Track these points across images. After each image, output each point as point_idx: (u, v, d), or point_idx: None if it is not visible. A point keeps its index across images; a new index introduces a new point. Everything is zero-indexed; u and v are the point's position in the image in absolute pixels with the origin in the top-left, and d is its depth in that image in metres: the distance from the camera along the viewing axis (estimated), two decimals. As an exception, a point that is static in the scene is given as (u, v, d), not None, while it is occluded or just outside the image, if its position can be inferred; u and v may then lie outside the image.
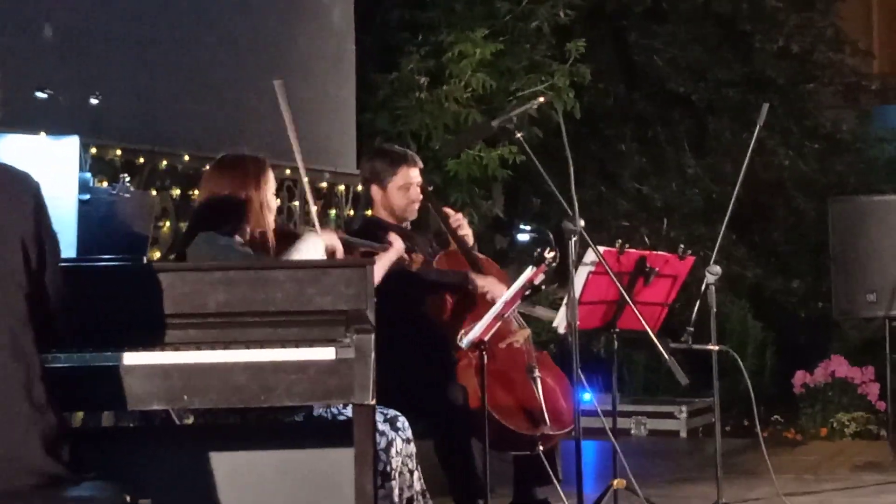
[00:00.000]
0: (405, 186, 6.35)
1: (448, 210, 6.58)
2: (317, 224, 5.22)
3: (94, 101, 6.28)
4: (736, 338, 11.06)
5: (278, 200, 5.35)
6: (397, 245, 5.79)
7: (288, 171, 8.09)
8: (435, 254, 6.41)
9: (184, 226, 7.10)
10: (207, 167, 5.39)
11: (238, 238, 5.11)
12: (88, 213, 5.27)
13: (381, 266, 5.53)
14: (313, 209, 5.37)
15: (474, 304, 6.16)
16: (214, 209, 5.12)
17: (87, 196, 5.37)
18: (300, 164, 5.25)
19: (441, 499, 5.89)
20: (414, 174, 6.38)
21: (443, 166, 10.18)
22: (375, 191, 6.40)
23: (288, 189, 8.15)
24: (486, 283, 6.20)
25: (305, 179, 5.43)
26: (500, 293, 5.99)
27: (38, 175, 3.64)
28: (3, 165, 3.61)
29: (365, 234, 6.25)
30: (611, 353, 6.64)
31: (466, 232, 6.51)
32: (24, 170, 3.63)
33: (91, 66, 6.89)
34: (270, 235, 5.18)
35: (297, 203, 8.25)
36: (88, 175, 5.68)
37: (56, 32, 6.75)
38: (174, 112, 7.41)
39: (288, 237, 5.36)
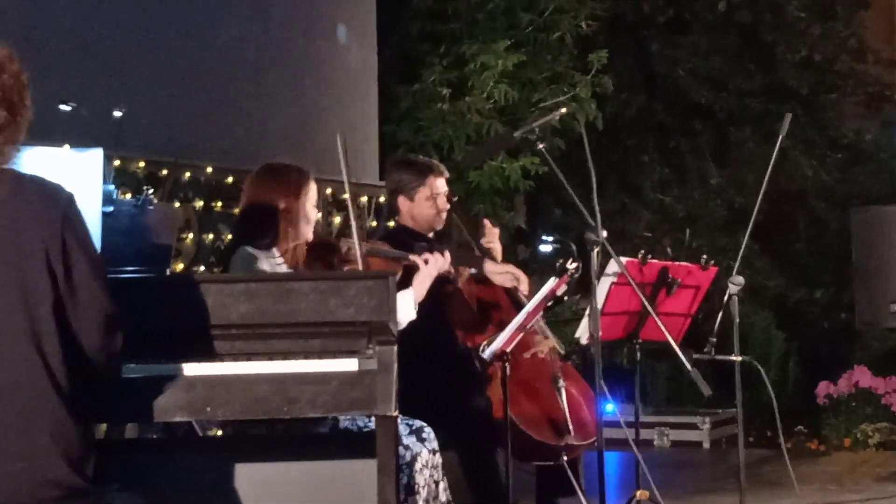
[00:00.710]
0: (433, 196, 6.36)
1: (487, 221, 6.59)
2: (356, 247, 5.19)
3: (117, 114, 6.30)
4: (759, 348, 11.04)
5: (319, 214, 5.34)
6: (438, 261, 5.63)
7: (313, 179, 8.10)
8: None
9: (207, 237, 7.13)
10: (237, 178, 5.39)
11: (276, 252, 5.12)
12: (112, 226, 5.29)
13: (422, 280, 5.47)
14: (356, 240, 5.29)
15: (497, 310, 6.16)
16: (253, 220, 5.15)
17: (111, 208, 5.38)
18: (351, 208, 5.22)
19: (467, 509, 5.90)
20: (441, 184, 6.38)
21: (465, 177, 10.18)
22: (402, 201, 6.40)
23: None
24: (508, 269, 6.19)
25: (362, 197, 5.43)
26: (523, 278, 6.03)
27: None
28: (34, 178, 3.60)
29: (393, 243, 6.25)
30: (633, 364, 6.63)
31: (495, 246, 6.50)
32: (55, 182, 3.62)
33: (114, 78, 6.91)
34: (302, 248, 5.19)
35: (319, 214, 8.25)
36: (112, 187, 5.70)
37: (79, 46, 6.77)
38: (197, 124, 7.44)
39: (326, 248, 5.36)
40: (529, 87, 10.68)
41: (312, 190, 5.24)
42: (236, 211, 7.28)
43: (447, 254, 5.63)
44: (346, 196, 5.15)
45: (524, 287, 6.19)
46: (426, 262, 5.50)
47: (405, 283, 5.36)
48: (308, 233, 5.21)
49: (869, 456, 9.69)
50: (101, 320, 3.60)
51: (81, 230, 3.61)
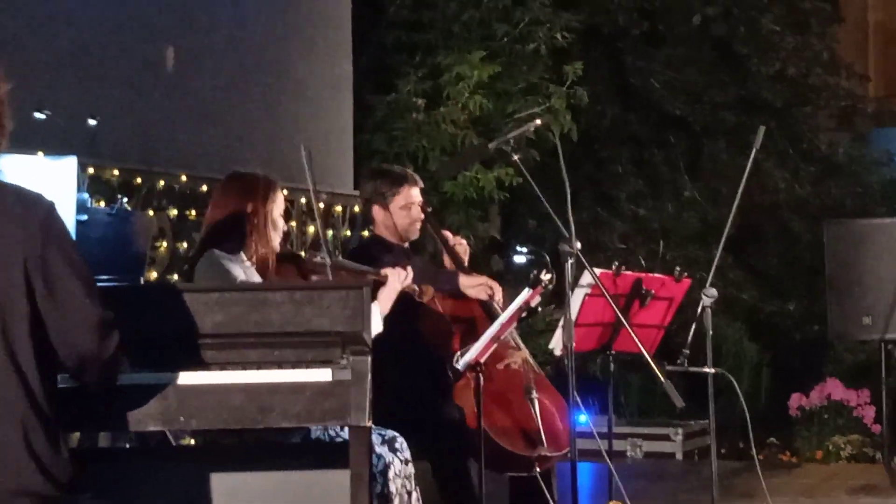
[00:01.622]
0: (407, 206, 6.36)
1: (447, 233, 6.59)
2: (327, 257, 5.20)
3: (91, 123, 6.29)
4: (732, 360, 11.08)
5: (291, 224, 5.35)
6: (399, 276, 5.62)
7: (285, 192, 8.09)
8: (433, 273, 6.41)
9: (181, 246, 7.12)
10: (211, 186, 5.40)
11: (244, 255, 5.13)
12: (85, 234, 5.28)
13: (387, 295, 5.48)
14: (325, 251, 5.29)
15: (469, 321, 6.16)
16: (220, 225, 5.17)
17: (85, 216, 5.38)
18: (318, 220, 5.23)
19: (440, 519, 5.89)
20: (416, 193, 6.39)
21: (440, 188, 10.19)
22: (377, 210, 6.40)
23: (285, 209, 8.15)
24: (482, 282, 6.19)
25: (336, 207, 5.44)
26: (497, 288, 6.04)
27: (36, 196, 3.63)
28: (14, 187, 3.59)
29: (366, 253, 6.25)
30: (607, 376, 6.64)
31: (464, 255, 6.51)
32: (36, 191, 3.61)
33: (89, 87, 6.90)
34: (272, 257, 5.20)
35: (294, 223, 8.25)
36: (86, 195, 5.69)
37: (54, 54, 6.76)
38: (171, 133, 7.43)
39: (291, 260, 5.37)
40: (504, 98, 10.70)
41: (279, 198, 5.27)
42: (207, 218, 7.28)
43: (410, 269, 5.63)
44: (315, 207, 5.16)
45: (498, 297, 6.20)
46: (387, 277, 5.52)
47: (371, 296, 5.37)
48: (276, 240, 5.22)
49: (841, 468, 9.72)
50: (93, 326, 3.59)
51: (64, 239, 3.60)
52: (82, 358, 3.60)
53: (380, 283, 5.50)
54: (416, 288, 5.72)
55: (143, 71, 7.36)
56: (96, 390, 3.76)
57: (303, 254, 5.72)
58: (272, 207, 5.21)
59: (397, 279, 5.50)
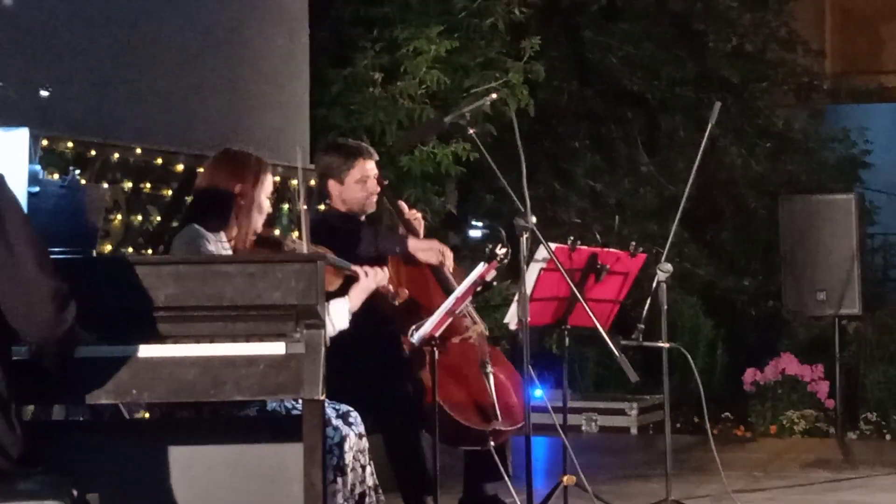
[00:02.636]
0: (362, 179, 6.35)
1: (403, 205, 6.58)
2: (305, 244, 5.18)
3: (44, 94, 6.23)
4: (687, 335, 11.12)
5: (269, 209, 5.33)
6: (377, 276, 5.55)
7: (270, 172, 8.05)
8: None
9: (135, 219, 7.08)
10: (166, 159, 5.37)
11: (224, 236, 5.12)
12: (38, 206, 5.24)
13: (359, 293, 5.45)
14: (305, 241, 5.25)
15: (426, 297, 6.16)
16: (206, 202, 5.17)
17: (37, 188, 5.33)
18: (303, 219, 5.19)
19: (394, 493, 5.89)
20: (370, 167, 6.37)
21: (396, 162, 10.16)
22: (333, 185, 6.39)
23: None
24: (432, 246, 6.18)
25: (292, 181, 5.42)
26: (448, 253, 6.04)
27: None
28: None
29: (326, 228, 6.23)
30: (562, 350, 6.66)
31: (420, 228, 6.51)
32: None
33: (41, 57, 6.84)
34: (251, 239, 5.19)
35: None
36: (38, 167, 5.64)
37: (5, 23, 6.69)
38: (126, 105, 7.37)
39: (272, 245, 5.35)
40: (462, 72, 10.67)
41: (269, 180, 5.26)
42: (166, 192, 7.24)
43: (387, 270, 5.62)
44: (302, 209, 5.16)
45: (449, 262, 6.19)
46: (366, 274, 5.49)
47: (343, 291, 5.37)
48: (259, 222, 5.22)
49: (794, 443, 9.79)
50: (48, 297, 3.57)
51: (14, 211, 3.58)
52: (40, 330, 3.59)
53: (353, 278, 5.48)
54: (392, 290, 5.71)
55: (97, 42, 7.30)
56: (55, 363, 3.74)
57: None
58: (260, 190, 5.20)
59: (374, 278, 5.48)
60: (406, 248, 6.15)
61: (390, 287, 5.69)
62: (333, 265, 5.42)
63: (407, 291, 5.86)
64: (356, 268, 5.46)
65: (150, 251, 6.94)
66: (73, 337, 3.74)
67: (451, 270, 6.17)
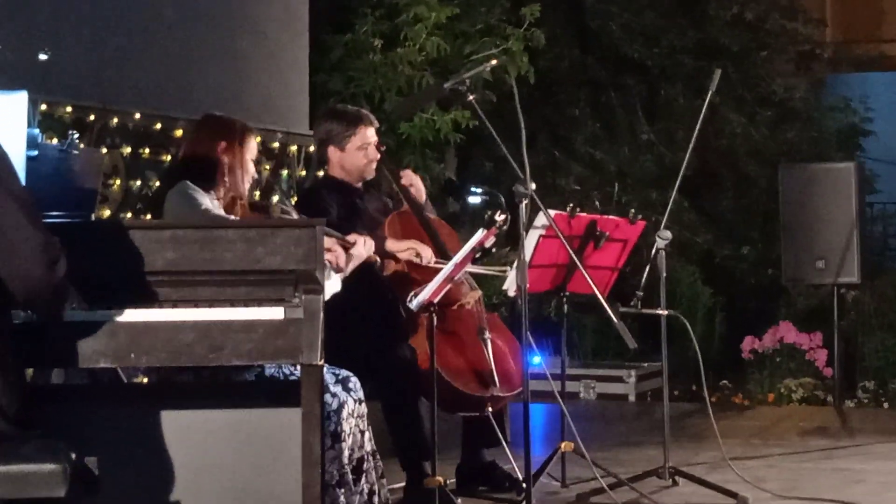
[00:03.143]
0: (363, 146, 6.34)
1: (405, 171, 6.58)
2: (293, 213, 5.19)
3: (43, 57, 6.22)
4: (685, 303, 11.13)
5: (256, 174, 5.33)
6: (370, 245, 5.47)
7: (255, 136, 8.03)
8: (387, 213, 6.40)
9: (134, 184, 7.07)
10: (165, 125, 5.36)
11: (213, 195, 5.13)
12: (36, 170, 5.22)
13: (352, 262, 5.44)
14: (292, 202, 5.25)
15: (426, 265, 6.16)
16: (193, 164, 5.17)
17: (35, 152, 5.32)
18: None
19: (392, 459, 5.91)
20: (371, 134, 6.37)
21: (396, 129, 10.15)
22: (332, 151, 6.38)
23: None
24: (411, 245, 6.15)
25: (291, 147, 5.41)
26: (426, 254, 6.02)
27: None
28: None
29: (318, 194, 6.23)
30: (560, 317, 6.66)
31: (419, 189, 6.49)
32: None
33: (41, 21, 6.82)
34: (243, 203, 5.21)
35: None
36: (37, 131, 5.63)
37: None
38: (125, 70, 7.35)
39: (260, 211, 5.36)
40: (462, 39, 10.65)
41: (253, 144, 5.28)
42: (165, 158, 7.24)
43: (370, 240, 5.58)
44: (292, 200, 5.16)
45: (426, 259, 6.12)
46: (354, 243, 5.49)
47: None
48: (245, 185, 5.23)
49: (792, 411, 9.80)
50: (39, 253, 3.57)
51: (5, 170, 3.58)
52: (31, 286, 3.58)
53: (345, 246, 5.48)
54: (378, 260, 5.71)
55: (95, 6, 7.28)
56: (46, 320, 3.74)
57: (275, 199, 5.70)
58: (245, 152, 5.21)
59: (363, 246, 5.47)
60: (382, 249, 6.07)
61: (377, 258, 5.69)
62: (326, 235, 5.42)
63: (393, 263, 5.86)
64: (348, 238, 5.47)
65: (149, 216, 6.94)
66: (64, 295, 3.74)
67: (430, 263, 6.11)
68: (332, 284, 5.07)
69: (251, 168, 5.26)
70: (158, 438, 4.49)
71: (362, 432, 5.09)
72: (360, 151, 6.34)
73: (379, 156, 6.38)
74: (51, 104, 6.62)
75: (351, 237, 5.40)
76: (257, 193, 7.76)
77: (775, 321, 10.65)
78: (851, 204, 10.07)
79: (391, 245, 6.11)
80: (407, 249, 6.11)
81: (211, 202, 5.10)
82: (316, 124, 6.64)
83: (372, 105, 9.93)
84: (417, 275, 6.05)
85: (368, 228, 5.96)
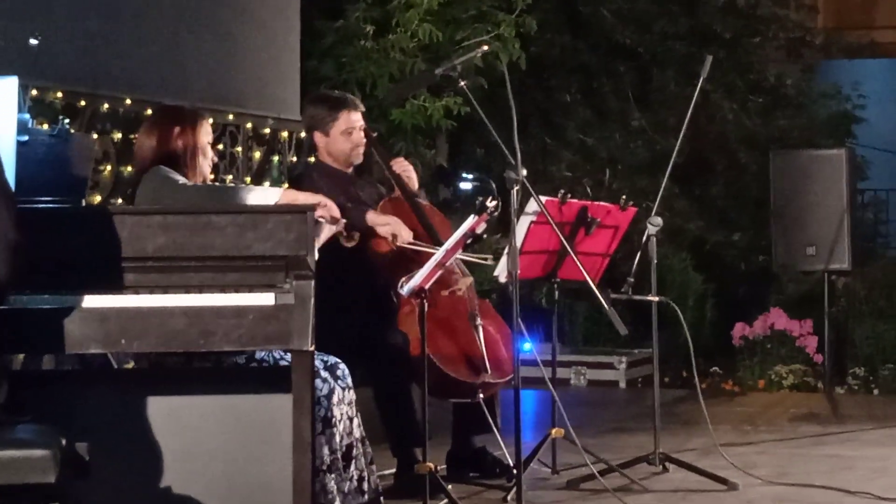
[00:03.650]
0: (348, 131, 6.33)
1: (397, 159, 6.56)
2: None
3: (33, 42, 6.20)
4: (676, 289, 11.12)
5: (214, 157, 5.30)
6: (332, 209, 5.51)
7: (231, 117, 8.04)
8: (380, 199, 6.39)
9: (125, 170, 7.07)
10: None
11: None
12: (27, 155, 5.22)
13: (327, 231, 5.45)
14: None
15: (416, 251, 6.15)
16: (151, 154, 5.12)
17: (26, 138, 5.32)
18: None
19: (381, 445, 5.91)
20: (356, 118, 6.35)
21: (387, 115, 10.14)
22: (319, 137, 6.37)
23: (231, 134, 8.10)
24: (390, 222, 6.13)
25: (282, 133, 5.40)
26: (404, 234, 6.01)
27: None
28: None
29: (308, 180, 6.22)
30: (552, 303, 6.67)
31: (411, 177, 6.49)
32: None
33: (31, 5, 6.81)
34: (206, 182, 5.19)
35: (239, 149, 8.20)
36: (27, 116, 5.62)
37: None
38: (116, 55, 7.34)
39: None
40: (453, 25, 10.63)
41: (206, 128, 5.24)
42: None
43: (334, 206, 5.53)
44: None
45: (401, 240, 6.10)
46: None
47: None
48: (206, 168, 5.21)
49: (783, 397, 9.82)
50: (10, 249, 3.56)
51: None
52: None
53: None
54: (344, 232, 5.68)
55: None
56: None
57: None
58: (200, 138, 5.18)
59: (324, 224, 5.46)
60: (363, 221, 6.06)
61: (343, 231, 5.66)
62: None
63: (358, 234, 5.79)
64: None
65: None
66: (8, 293, 3.72)
67: (403, 243, 6.08)
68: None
69: (209, 151, 5.23)
70: (149, 424, 4.50)
71: (351, 419, 5.09)
72: (344, 136, 6.32)
73: (366, 140, 6.37)
74: (41, 89, 6.61)
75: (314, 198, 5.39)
76: (248, 180, 7.75)
77: (766, 308, 10.66)
78: (842, 191, 10.09)
79: (372, 217, 6.09)
80: (385, 225, 6.09)
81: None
82: (302, 110, 6.64)
83: (363, 91, 9.93)
84: (408, 260, 6.04)
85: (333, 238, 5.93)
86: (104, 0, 7.31)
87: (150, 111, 7.24)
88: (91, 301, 4.06)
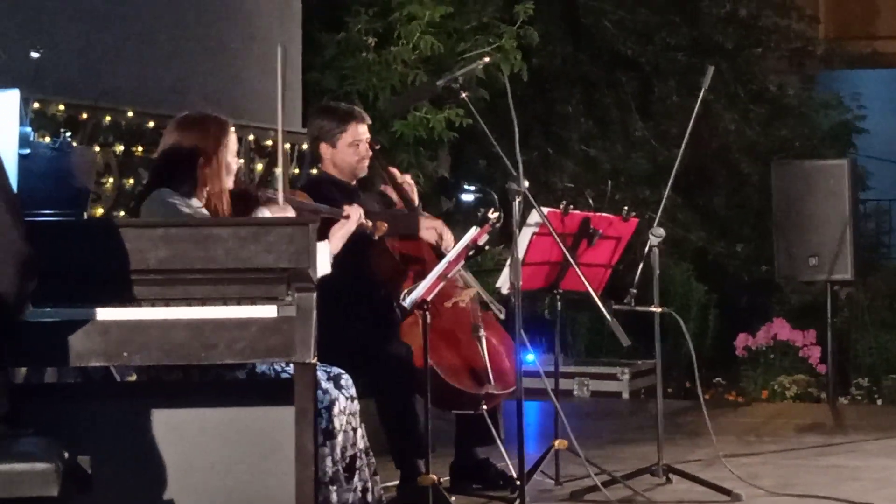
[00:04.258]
0: (354, 143, 6.34)
1: (395, 170, 6.57)
2: (280, 192, 5.16)
3: (35, 55, 6.21)
4: (679, 300, 11.13)
5: (240, 162, 5.30)
6: (355, 214, 5.62)
7: (232, 129, 8.02)
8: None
9: (127, 182, 7.07)
10: (158, 122, 5.33)
11: (196, 201, 5.08)
12: (28, 168, 5.22)
13: (340, 236, 5.49)
14: (280, 175, 5.22)
15: (419, 261, 6.16)
16: (172, 167, 5.10)
17: (28, 150, 5.32)
18: (280, 130, 5.19)
19: (385, 457, 5.90)
20: (363, 130, 6.36)
21: (389, 127, 10.15)
22: (324, 148, 6.37)
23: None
24: (436, 225, 6.21)
25: (285, 145, 5.41)
26: (447, 236, 6.05)
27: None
28: None
29: (316, 190, 6.22)
30: (554, 315, 6.66)
31: (413, 194, 6.50)
32: None
33: (33, 19, 6.82)
34: (226, 197, 5.15)
35: (241, 161, 8.19)
36: (29, 129, 5.62)
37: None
38: (118, 67, 7.35)
39: (246, 199, 5.32)
40: (455, 37, 10.65)
41: (233, 140, 5.21)
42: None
43: (357, 208, 5.61)
44: (279, 126, 5.14)
45: (446, 242, 6.16)
46: (347, 217, 5.51)
47: (322, 235, 5.36)
48: (229, 182, 5.18)
49: (786, 408, 9.81)
50: (19, 264, 3.56)
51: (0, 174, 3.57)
52: (3, 292, 3.57)
53: (332, 221, 5.49)
54: (371, 224, 5.70)
55: (89, 4, 7.28)
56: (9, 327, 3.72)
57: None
58: (225, 151, 5.15)
59: (353, 220, 5.50)
60: (417, 229, 6.15)
61: (368, 222, 5.69)
62: (310, 210, 5.43)
63: (386, 225, 5.83)
64: (335, 210, 5.49)
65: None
66: (25, 306, 3.73)
67: (447, 248, 6.13)
68: (322, 266, 5.04)
69: (233, 165, 5.20)
70: (151, 437, 4.49)
71: (354, 430, 5.08)
72: (351, 148, 6.33)
73: (371, 153, 6.38)
74: (43, 102, 6.62)
75: (345, 210, 5.43)
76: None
77: (769, 318, 10.67)
78: (844, 201, 10.08)
79: (421, 221, 6.18)
80: (430, 228, 6.17)
81: (192, 208, 5.04)
82: (308, 122, 6.64)
83: (365, 103, 9.94)
84: (411, 271, 6.05)
85: (360, 233, 5.96)
86: (106, 13, 7.32)
87: (152, 123, 7.26)
88: (93, 314, 4.05)
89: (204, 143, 5.09)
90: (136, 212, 5.07)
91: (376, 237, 5.80)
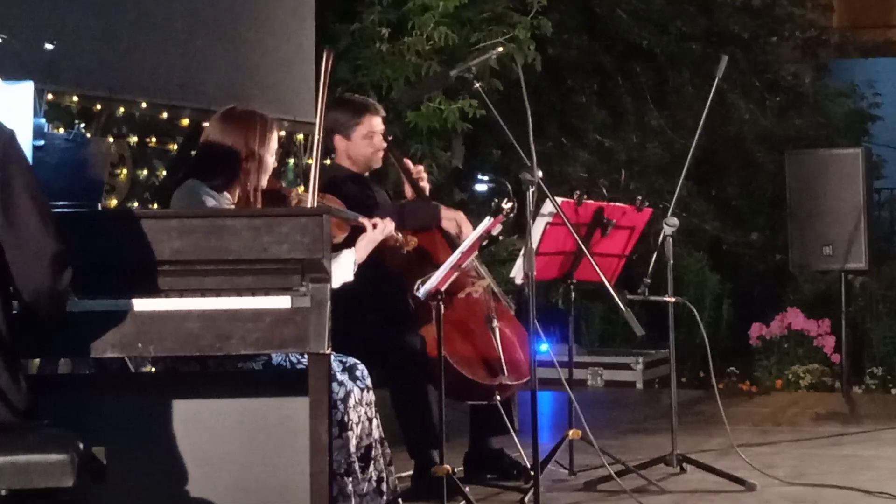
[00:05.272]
0: (369, 135, 6.34)
1: (408, 162, 6.57)
2: (311, 196, 5.16)
3: (49, 47, 6.22)
4: (693, 290, 11.12)
5: (275, 162, 5.31)
6: (387, 227, 5.60)
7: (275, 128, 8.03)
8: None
9: (141, 173, 7.07)
10: (171, 113, 5.32)
11: (227, 195, 5.09)
12: (43, 160, 5.23)
13: (366, 244, 5.48)
14: (313, 180, 5.22)
15: (433, 252, 6.16)
16: (211, 160, 5.11)
17: (42, 142, 5.33)
18: (317, 134, 5.19)
19: (399, 447, 5.91)
20: (377, 122, 6.37)
21: (403, 118, 10.15)
22: (339, 140, 6.38)
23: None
24: (457, 217, 6.21)
25: (298, 135, 5.41)
26: (465, 228, 6.05)
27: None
28: None
29: (331, 183, 6.22)
30: (568, 305, 6.66)
31: (425, 185, 6.50)
32: None
33: (46, 10, 6.82)
34: (259, 195, 5.17)
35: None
36: (43, 121, 5.63)
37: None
38: (131, 59, 7.35)
39: (278, 198, 5.33)
40: (469, 27, 10.64)
41: (274, 138, 5.22)
42: (171, 147, 7.23)
43: (390, 222, 5.61)
44: (318, 128, 5.15)
45: (465, 234, 6.17)
46: (374, 226, 5.51)
47: (350, 243, 5.38)
48: (264, 181, 5.19)
49: (800, 397, 9.80)
50: (48, 259, 3.58)
51: (24, 170, 3.58)
52: (36, 291, 3.59)
53: (361, 229, 5.49)
54: (400, 238, 5.72)
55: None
56: (46, 322, 3.75)
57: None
58: (266, 148, 5.16)
59: (381, 230, 5.50)
60: (439, 219, 6.17)
61: (399, 235, 5.70)
62: (341, 217, 5.43)
63: (416, 240, 5.86)
64: (363, 219, 5.49)
65: (155, 205, 6.95)
66: (65, 301, 3.75)
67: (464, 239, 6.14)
68: (346, 273, 5.07)
69: (271, 163, 5.21)
70: (166, 428, 4.50)
71: (370, 420, 5.08)
72: (366, 140, 6.34)
73: (385, 145, 6.38)
74: (57, 94, 6.62)
75: (365, 220, 5.44)
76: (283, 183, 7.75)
77: (783, 307, 10.65)
78: (859, 190, 10.07)
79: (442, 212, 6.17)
80: (451, 219, 6.17)
81: (221, 203, 5.06)
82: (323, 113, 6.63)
83: (379, 94, 9.93)
84: (424, 262, 6.05)
85: (388, 245, 5.97)
86: (119, 4, 7.32)
87: (165, 115, 7.26)
88: (108, 305, 4.06)
89: (247, 139, 5.10)
90: (166, 195, 5.09)
91: (405, 251, 5.82)
